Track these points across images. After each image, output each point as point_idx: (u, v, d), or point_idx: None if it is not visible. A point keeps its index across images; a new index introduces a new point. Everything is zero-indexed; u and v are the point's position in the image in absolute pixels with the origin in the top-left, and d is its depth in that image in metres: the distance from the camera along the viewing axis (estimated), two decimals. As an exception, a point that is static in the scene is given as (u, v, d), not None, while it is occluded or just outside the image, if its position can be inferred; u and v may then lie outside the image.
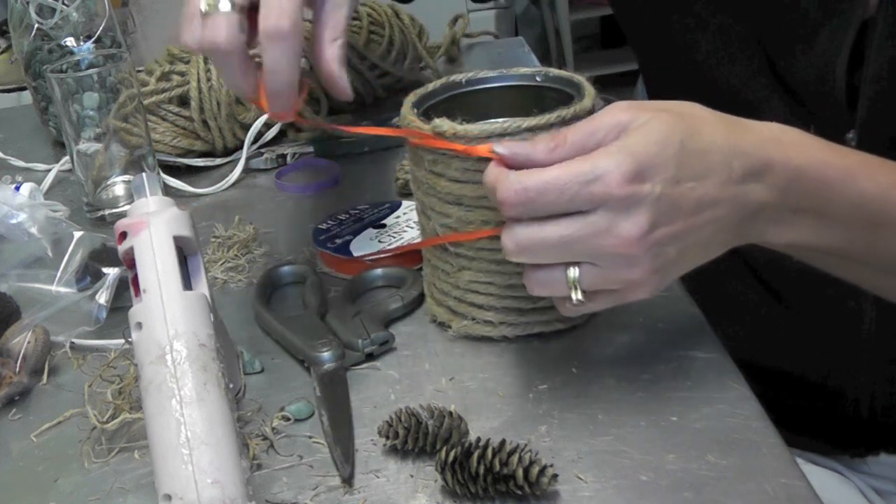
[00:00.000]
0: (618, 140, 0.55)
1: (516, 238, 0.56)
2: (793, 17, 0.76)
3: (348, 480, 0.57)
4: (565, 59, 3.25)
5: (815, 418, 0.86)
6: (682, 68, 0.84)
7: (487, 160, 0.58)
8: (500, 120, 0.62)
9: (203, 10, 0.62)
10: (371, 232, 0.83)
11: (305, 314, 0.73)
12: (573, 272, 0.56)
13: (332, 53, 0.66)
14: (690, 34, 0.82)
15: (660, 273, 0.56)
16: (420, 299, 0.74)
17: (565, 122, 0.61)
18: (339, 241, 0.81)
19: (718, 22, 0.80)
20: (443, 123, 0.62)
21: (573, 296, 0.56)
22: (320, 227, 0.84)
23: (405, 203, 0.87)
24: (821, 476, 0.86)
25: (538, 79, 0.69)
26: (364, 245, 0.80)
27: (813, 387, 0.84)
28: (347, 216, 0.86)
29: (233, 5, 0.62)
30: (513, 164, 0.56)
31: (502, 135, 0.61)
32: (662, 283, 0.57)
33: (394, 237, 0.81)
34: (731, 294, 0.78)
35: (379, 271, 0.77)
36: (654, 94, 0.94)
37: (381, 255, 0.78)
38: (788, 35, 0.76)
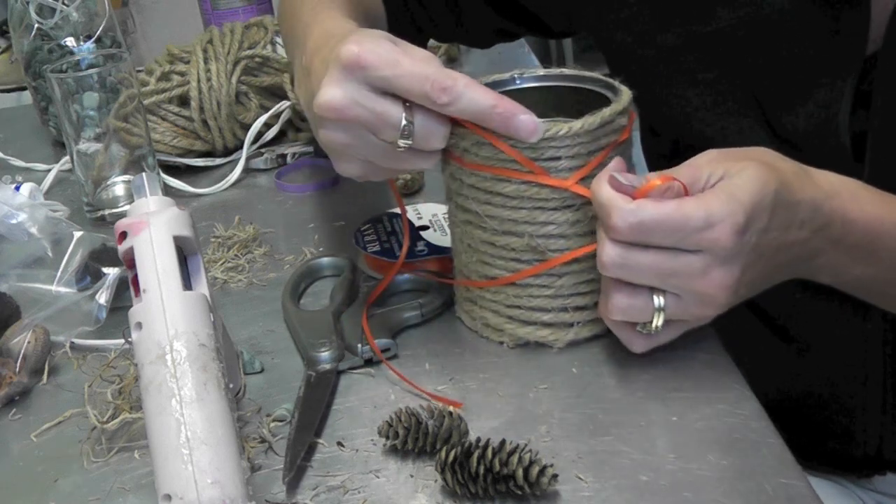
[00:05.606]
0: (722, 182, 0.57)
1: (615, 256, 0.57)
2: (791, 71, 0.72)
3: (287, 487, 0.57)
4: (565, 60, 3.25)
5: (821, 455, 0.83)
6: (672, 120, 0.80)
7: None
8: (561, 120, 0.61)
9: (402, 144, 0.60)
10: (429, 234, 0.81)
11: (324, 310, 0.72)
12: (659, 300, 0.58)
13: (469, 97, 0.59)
14: (679, 87, 0.78)
15: (724, 308, 0.59)
16: (439, 310, 0.72)
17: (621, 115, 0.62)
18: (417, 248, 0.79)
19: (710, 77, 0.76)
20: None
21: (655, 322, 0.59)
22: (374, 250, 0.79)
23: (409, 209, 0.85)
24: (824, 487, 0.84)
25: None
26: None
27: (820, 427, 0.82)
28: (378, 230, 0.82)
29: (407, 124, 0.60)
30: (621, 192, 0.57)
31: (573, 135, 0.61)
32: (719, 313, 0.60)
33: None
34: (736, 332, 0.75)
35: (407, 276, 0.76)
36: (644, 129, 0.90)
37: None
38: (787, 90, 0.73)
